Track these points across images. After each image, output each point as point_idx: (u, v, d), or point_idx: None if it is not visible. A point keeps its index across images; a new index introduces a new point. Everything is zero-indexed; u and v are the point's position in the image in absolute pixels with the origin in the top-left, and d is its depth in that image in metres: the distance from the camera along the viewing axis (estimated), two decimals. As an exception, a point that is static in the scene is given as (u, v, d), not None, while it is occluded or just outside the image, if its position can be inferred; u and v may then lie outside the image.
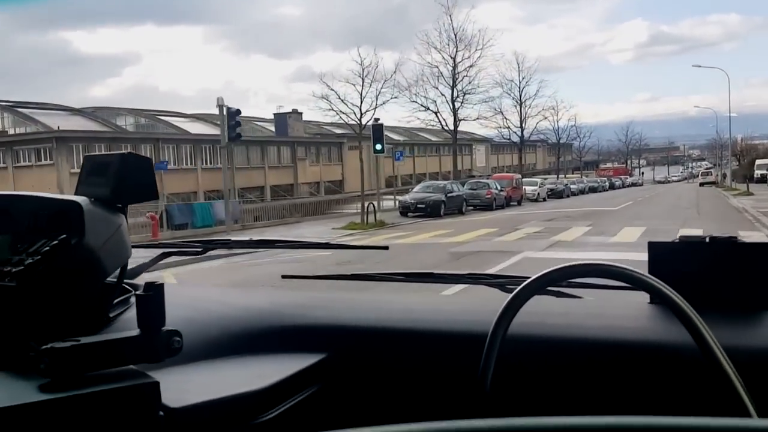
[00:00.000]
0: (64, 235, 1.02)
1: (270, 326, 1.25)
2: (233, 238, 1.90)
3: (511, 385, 1.07)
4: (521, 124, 51.53)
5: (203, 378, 1.03)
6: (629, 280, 0.86)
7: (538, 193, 38.61)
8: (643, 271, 0.95)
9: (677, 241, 1.21)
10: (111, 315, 1.12)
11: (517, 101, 50.31)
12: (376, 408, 1.19)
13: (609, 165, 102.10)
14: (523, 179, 40.70)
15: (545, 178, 50.15)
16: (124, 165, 1.08)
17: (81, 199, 1.06)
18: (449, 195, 27.82)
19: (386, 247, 1.92)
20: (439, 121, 39.10)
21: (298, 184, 43.52)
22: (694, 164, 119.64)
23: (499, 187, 31.76)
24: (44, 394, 0.78)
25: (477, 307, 1.28)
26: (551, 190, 43.75)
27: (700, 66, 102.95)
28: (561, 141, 78.53)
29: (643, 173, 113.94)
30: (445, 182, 31.58)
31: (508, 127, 50.10)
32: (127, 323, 0.97)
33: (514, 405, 1.09)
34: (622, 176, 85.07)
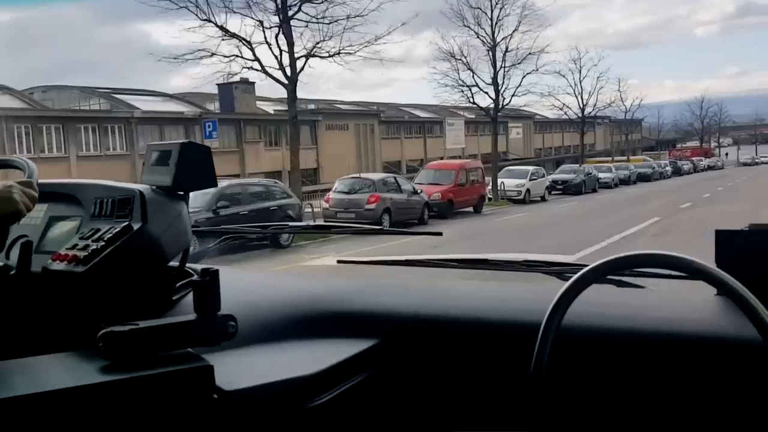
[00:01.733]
0: (127, 222, 1.09)
1: (323, 311, 1.28)
2: (290, 224, 2.18)
3: (566, 377, 1.06)
4: (580, 101, 47.09)
5: (257, 362, 1.07)
6: (692, 270, 0.84)
7: (524, 191, 27.78)
8: (711, 260, 0.94)
9: (747, 229, 1.16)
10: (174, 298, 1.17)
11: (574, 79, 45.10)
12: (426, 397, 1.20)
13: (686, 145, 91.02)
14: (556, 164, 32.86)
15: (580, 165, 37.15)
16: (184, 154, 1.14)
17: (143, 187, 1.14)
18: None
19: (440, 233, 1.99)
20: (470, 100, 33.15)
21: (246, 174, 32.05)
22: None
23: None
24: (103, 375, 0.84)
25: (532, 296, 1.28)
26: (557, 182, 32.55)
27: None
28: (627, 117, 69.38)
29: (727, 154, 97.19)
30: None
31: (563, 106, 45.96)
32: (189, 306, 0.97)
33: (570, 398, 1.07)
34: (696, 158, 73.05)
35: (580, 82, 48.51)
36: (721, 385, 1.00)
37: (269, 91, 36.44)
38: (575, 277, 0.88)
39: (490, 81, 31.93)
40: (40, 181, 1.17)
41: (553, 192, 30.07)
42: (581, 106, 46.70)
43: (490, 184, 26.28)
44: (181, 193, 1.18)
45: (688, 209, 19.43)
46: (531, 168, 29.56)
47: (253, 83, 36.26)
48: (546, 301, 0.89)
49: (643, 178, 45.26)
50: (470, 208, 22.20)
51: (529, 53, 33.00)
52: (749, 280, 0.84)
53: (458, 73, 31.49)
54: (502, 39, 32.60)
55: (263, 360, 1.09)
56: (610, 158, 61.78)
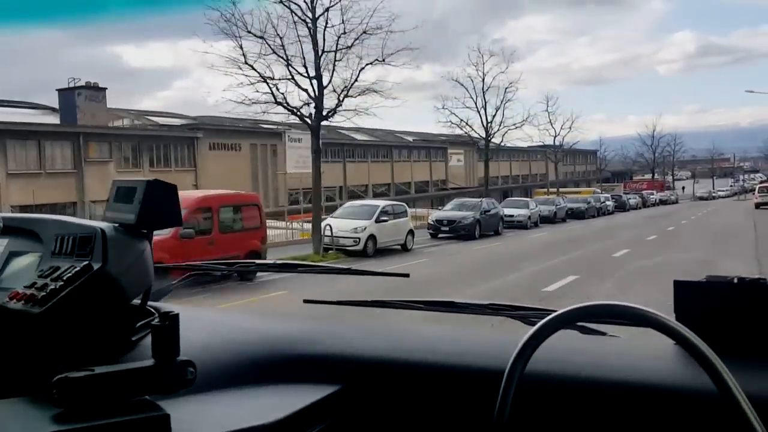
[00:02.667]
0: (87, 261, 1.07)
1: (285, 354, 1.26)
2: (257, 261, 2.16)
3: (529, 424, 1.07)
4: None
5: (215, 410, 1.05)
6: (650, 322, 0.86)
7: (364, 239, 19.69)
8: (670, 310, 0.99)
9: (704, 281, 1.19)
10: (134, 339, 1.15)
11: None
12: None
13: (644, 177, 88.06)
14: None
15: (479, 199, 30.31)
16: (149, 191, 1.12)
17: (105, 225, 1.12)
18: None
19: (407, 275, 1.96)
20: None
21: (85, 203, 24.96)
22: (746, 176, 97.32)
23: None
24: (56, 424, 0.81)
25: (497, 341, 1.28)
26: (442, 221, 25.81)
27: (752, 91, 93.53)
28: (583, 148, 66.59)
29: (684, 188, 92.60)
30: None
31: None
32: (149, 348, 0.94)
33: None
34: (647, 191, 69.34)
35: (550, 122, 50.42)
36: None
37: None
38: (540, 324, 0.88)
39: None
40: (1, 214, 1.21)
41: (440, 235, 24.03)
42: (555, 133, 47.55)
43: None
44: (145, 231, 1.15)
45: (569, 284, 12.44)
46: (382, 203, 21.72)
47: (104, 89, 29.18)
48: (511, 346, 0.89)
49: (576, 215, 38.43)
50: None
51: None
52: (706, 331, 0.89)
53: None
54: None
55: (221, 408, 1.06)
56: (555, 189, 57.96)
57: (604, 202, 43.86)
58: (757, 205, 41.87)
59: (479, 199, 28.39)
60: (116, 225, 1.13)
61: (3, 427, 0.82)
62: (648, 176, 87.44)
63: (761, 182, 59.78)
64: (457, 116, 39.27)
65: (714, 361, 0.81)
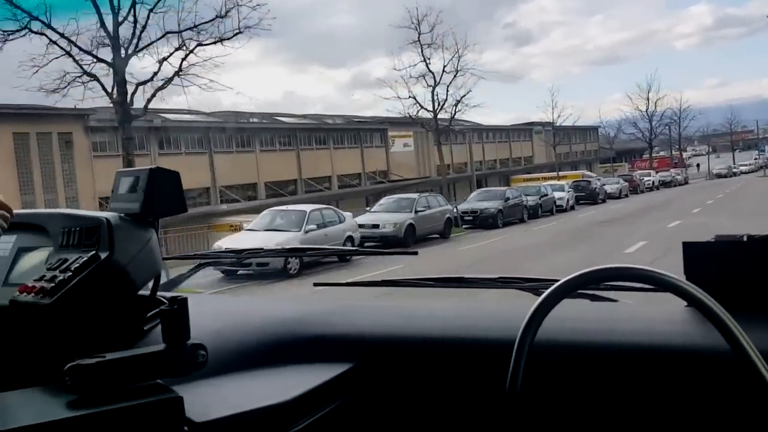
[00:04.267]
0: (94, 251, 1.09)
1: (295, 336, 1.27)
2: (265, 247, 1.95)
3: (542, 392, 1.07)
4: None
5: (228, 391, 1.06)
6: (660, 283, 0.85)
7: None
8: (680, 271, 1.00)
9: (713, 240, 1.18)
10: (145, 328, 1.16)
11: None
12: (403, 419, 1.21)
13: (656, 155, 75.14)
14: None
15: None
16: (153, 180, 1.14)
17: (110, 215, 1.14)
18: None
19: (416, 252, 2.02)
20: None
21: None
22: None
23: None
24: (70, 410, 0.83)
25: (507, 313, 1.28)
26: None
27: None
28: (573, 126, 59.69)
29: (698, 165, 78.56)
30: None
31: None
32: (161, 336, 0.97)
33: (546, 414, 1.09)
34: (640, 172, 57.81)
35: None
36: (693, 396, 1.02)
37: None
38: (547, 292, 0.88)
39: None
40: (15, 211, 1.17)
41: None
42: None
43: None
44: (151, 219, 1.17)
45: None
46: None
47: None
48: (520, 317, 0.90)
49: (484, 222, 23.52)
50: None
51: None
52: (717, 291, 0.87)
53: None
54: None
55: (235, 389, 1.08)
56: (540, 176, 48.18)
57: (549, 195, 28.75)
58: None
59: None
60: (121, 215, 1.14)
61: (18, 414, 0.82)
62: (664, 153, 76.23)
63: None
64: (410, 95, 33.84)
65: (726, 321, 0.80)
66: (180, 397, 0.87)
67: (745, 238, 1.14)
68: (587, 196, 33.37)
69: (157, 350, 0.89)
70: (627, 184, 40.84)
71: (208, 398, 0.99)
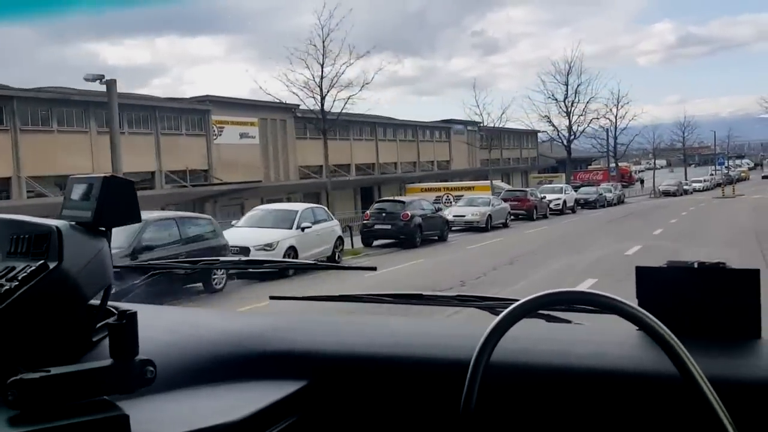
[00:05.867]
0: (43, 260, 1.08)
1: (248, 351, 1.30)
2: (222, 258, 2.02)
3: (496, 412, 1.14)
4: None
5: (176, 409, 1.08)
6: (613, 308, 0.90)
7: None
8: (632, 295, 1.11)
9: (665, 266, 1.25)
10: (94, 339, 1.17)
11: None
12: None
13: (601, 166, 68.19)
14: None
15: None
16: (107, 188, 1.13)
17: (60, 223, 1.13)
18: None
19: (374, 268, 2.02)
20: None
21: None
22: (731, 162, 72.52)
23: None
24: (11, 427, 0.84)
25: (463, 331, 1.33)
26: None
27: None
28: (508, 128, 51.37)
29: (642, 180, 67.39)
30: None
31: None
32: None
33: None
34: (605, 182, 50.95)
35: None
36: (643, 420, 1.08)
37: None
38: (504, 312, 0.92)
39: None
40: None
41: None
42: None
43: None
44: (103, 229, 1.16)
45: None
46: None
47: None
48: (476, 336, 0.93)
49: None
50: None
51: None
52: (668, 316, 0.94)
53: None
54: None
55: (183, 406, 1.08)
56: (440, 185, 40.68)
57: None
58: None
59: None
60: (72, 223, 1.14)
61: None
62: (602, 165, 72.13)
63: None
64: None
65: (675, 345, 0.85)
66: (126, 414, 0.88)
67: (695, 265, 1.21)
68: (430, 226, 20.98)
69: (104, 365, 0.89)
70: (506, 205, 27.99)
71: (155, 415, 1.00)
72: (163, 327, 1.31)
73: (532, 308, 0.91)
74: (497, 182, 44.14)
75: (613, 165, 63.52)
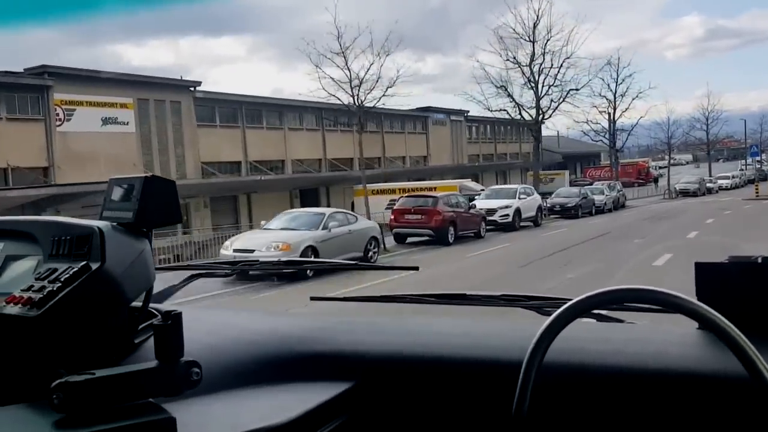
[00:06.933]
0: (85, 261, 1.10)
1: (294, 353, 1.32)
2: (261, 259, 2.09)
3: (548, 415, 1.14)
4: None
5: (223, 411, 1.09)
6: (672, 305, 0.89)
7: None
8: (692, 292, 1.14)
9: (726, 261, 1.25)
10: (136, 341, 1.19)
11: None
12: None
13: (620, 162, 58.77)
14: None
15: None
16: (148, 188, 1.15)
17: (102, 225, 1.15)
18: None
19: (417, 268, 2.08)
20: None
21: None
22: (764, 155, 62.50)
23: None
24: (57, 430, 0.85)
25: (512, 332, 1.35)
26: None
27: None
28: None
29: (658, 177, 57.77)
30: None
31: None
32: (153, 349, 0.98)
33: None
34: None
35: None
36: (706, 420, 1.07)
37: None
38: (556, 313, 0.91)
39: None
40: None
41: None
42: None
43: None
44: (144, 229, 1.18)
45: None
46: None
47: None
48: (526, 337, 0.94)
49: None
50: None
51: None
52: (729, 313, 0.91)
53: None
54: None
55: (230, 409, 1.08)
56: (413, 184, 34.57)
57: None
58: None
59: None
60: (114, 224, 1.17)
61: None
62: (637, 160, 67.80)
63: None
64: None
65: (743, 344, 0.84)
66: (173, 417, 0.88)
67: (759, 260, 1.18)
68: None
69: (149, 367, 0.90)
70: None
71: (201, 419, 1.00)
72: (205, 329, 1.31)
73: (585, 308, 0.89)
74: (466, 182, 35.46)
75: (618, 161, 54.32)
